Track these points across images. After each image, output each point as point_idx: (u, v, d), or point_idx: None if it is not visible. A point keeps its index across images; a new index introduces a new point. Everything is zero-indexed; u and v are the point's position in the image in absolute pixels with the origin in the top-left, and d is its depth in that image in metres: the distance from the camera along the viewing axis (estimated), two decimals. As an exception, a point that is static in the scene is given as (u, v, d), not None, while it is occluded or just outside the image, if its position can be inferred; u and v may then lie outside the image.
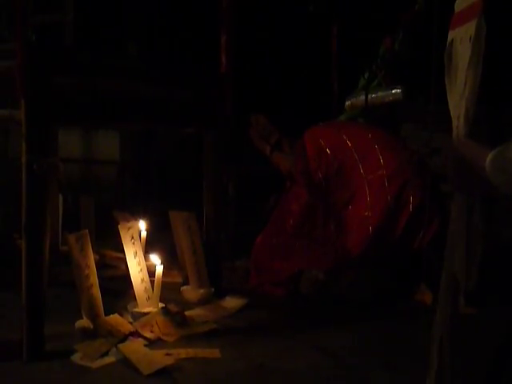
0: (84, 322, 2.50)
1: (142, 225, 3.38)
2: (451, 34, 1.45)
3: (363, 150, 3.36)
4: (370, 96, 4.40)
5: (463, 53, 1.38)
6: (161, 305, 2.67)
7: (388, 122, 4.37)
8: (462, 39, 1.38)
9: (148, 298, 2.69)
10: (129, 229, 2.73)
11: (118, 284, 3.08)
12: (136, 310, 2.66)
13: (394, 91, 4.34)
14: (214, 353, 2.35)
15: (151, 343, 2.42)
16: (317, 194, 3.39)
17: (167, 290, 2.93)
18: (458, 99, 1.40)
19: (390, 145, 3.43)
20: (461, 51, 1.39)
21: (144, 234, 3.33)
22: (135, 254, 2.71)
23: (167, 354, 2.29)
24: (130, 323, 2.55)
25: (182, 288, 3.13)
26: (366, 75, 4.55)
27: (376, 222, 3.17)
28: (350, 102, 4.70)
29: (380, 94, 4.42)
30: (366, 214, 3.21)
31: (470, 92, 1.38)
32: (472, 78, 1.37)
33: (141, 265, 2.72)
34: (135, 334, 2.47)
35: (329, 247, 3.23)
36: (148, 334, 2.47)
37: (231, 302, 3.00)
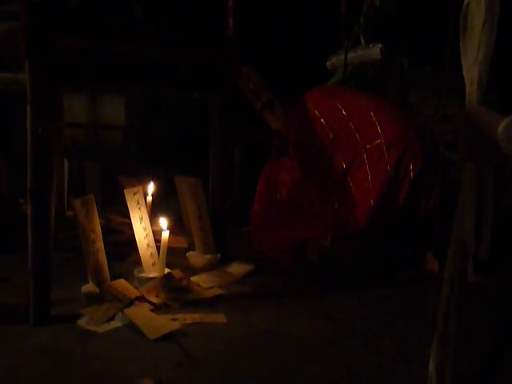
0: (90, 287, 2.51)
1: (148, 190, 3.37)
2: None
3: (359, 119, 3.31)
4: (349, 55, 4.24)
5: (478, 15, 1.35)
6: (167, 270, 2.68)
7: (374, 84, 4.24)
8: (479, 2, 1.35)
9: (154, 264, 2.69)
10: (134, 194, 2.72)
11: (123, 249, 3.08)
12: (142, 275, 2.66)
13: (372, 50, 4.10)
14: (219, 318, 2.36)
15: (157, 308, 2.43)
16: (310, 168, 3.36)
17: (173, 256, 2.93)
18: (472, 64, 1.37)
19: (387, 112, 3.36)
20: (476, 14, 1.36)
21: (150, 199, 3.33)
22: (141, 219, 2.71)
23: (173, 319, 2.30)
24: (136, 288, 2.56)
25: (187, 253, 3.13)
26: (351, 34, 4.40)
27: (377, 193, 3.14)
28: (331, 62, 4.54)
29: (359, 52, 4.26)
30: (367, 185, 3.18)
31: (483, 57, 1.35)
32: (486, 42, 1.34)
33: (147, 230, 2.72)
34: (141, 298, 2.48)
35: (330, 220, 3.20)
36: (154, 299, 2.47)
37: (237, 268, 3.00)
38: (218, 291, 2.66)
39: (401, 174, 3.15)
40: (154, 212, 3.20)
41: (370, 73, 4.22)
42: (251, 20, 3.31)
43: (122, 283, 2.56)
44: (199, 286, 2.70)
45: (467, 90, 1.40)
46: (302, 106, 3.49)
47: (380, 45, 4.04)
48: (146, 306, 2.44)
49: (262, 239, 3.34)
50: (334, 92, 3.67)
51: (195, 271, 2.92)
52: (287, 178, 3.39)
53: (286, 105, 3.57)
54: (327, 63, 4.50)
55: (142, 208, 2.72)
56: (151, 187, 3.40)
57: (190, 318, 2.33)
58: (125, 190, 2.75)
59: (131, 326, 2.23)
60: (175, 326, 2.23)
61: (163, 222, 2.69)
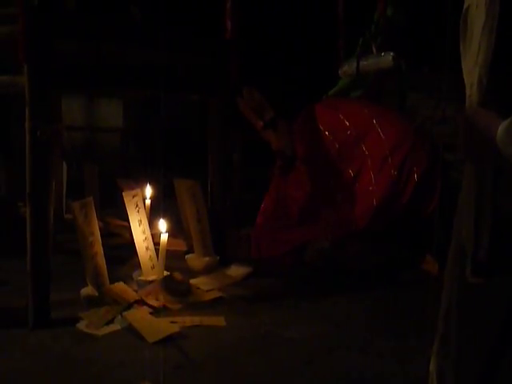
0: (89, 290, 2.50)
1: (147, 193, 3.36)
2: (467, 0, 1.41)
3: (362, 127, 3.33)
4: (361, 63, 4.29)
5: (478, 18, 1.35)
6: (166, 273, 2.67)
7: (381, 93, 4.28)
8: (478, 5, 1.35)
9: (153, 266, 2.69)
10: (133, 197, 2.71)
11: (122, 252, 3.08)
12: (141, 278, 2.65)
13: (384, 58, 4.16)
14: (219, 321, 2.36)
15: (156, 311, 2.42)
16: (319, 180, 3.37)
17: (172, 259, 2.92)
18: (472, 67, 1.37)
19: (387, 117, 3.40)
20: (476, 17, 1.36)
21: (148, 201, 3.32)
22: (140, 222, 2.70)
23: (172, 322, 2.30)
24: (135, 291, 2.55)
25: (186, 256, 3.12)
26: (361, 42, 4.44)
27: (381, 194, 3.16)
28: (343, 69, 4.58)
29: (370, 60, 4.29)
30: (371, 188, 3.20)
31: (483, 59, 1.35)
32: (485, 45, 1.34)
33: (145, 233, 2.71)
34: (140, 302, 2.47)
35: (331, 220, 3.22)
36: (153, 302, 2.47)
37: (236, 271, 3.00)
38: (217, 294, 2.65)
39: (404, 176, 3.16)
40: (152, 215, 3.19)
41: (370, 79, 4.25)
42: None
43: (121, 286, 2.55)
44: (198, 288, 2.69)
45: (467, 93, 1.40)
46: (306, 121, 3.50)
47: (392, 53, 4.08)
48: (146, 309, 2.43)
49: (262, 246, 3.32)
50: (335, 104, 3.68)
51: (194, 274, 2.91)
52: (299, 194, 3.39)
53: (289, 122, 3.57)
54: (339, 71, 4.55)
55: (140, 211, 2.72)
56: (149, 190, 3.39)
57: (189, 320, 2.33)
58: (123, 193, 2.75)
59: (130, 330, 2.22)
60: (174, 328, 2.23)
61: (162, 225, 2.69)
